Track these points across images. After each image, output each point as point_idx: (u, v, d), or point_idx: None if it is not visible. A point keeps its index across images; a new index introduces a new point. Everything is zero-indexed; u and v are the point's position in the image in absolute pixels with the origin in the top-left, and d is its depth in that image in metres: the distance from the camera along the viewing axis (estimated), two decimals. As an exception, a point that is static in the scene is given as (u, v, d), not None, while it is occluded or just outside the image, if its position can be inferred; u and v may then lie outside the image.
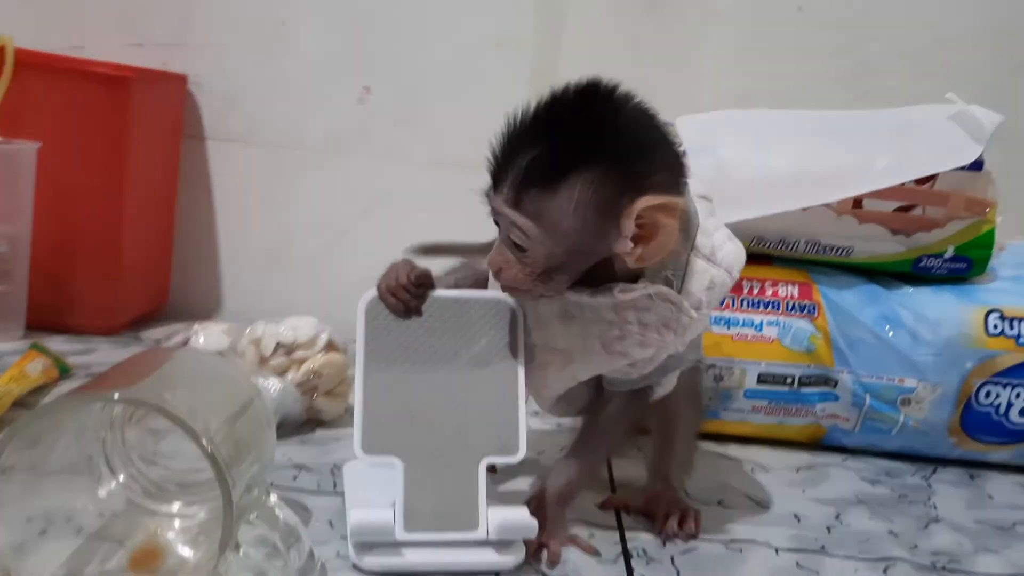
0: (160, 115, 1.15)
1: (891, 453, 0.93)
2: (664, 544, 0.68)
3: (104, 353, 1.00)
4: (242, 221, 1.26)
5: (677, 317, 0.59)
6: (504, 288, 0.60)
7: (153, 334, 0.90)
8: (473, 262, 0.68)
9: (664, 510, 0.70)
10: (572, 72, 0.89)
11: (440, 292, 0.63)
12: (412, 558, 0.59)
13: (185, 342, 0.84)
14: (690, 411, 0.74)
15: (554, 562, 0.62)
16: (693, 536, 0.69)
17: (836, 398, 0.90)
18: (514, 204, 0.55)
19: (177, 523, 0.60)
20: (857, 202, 0.90)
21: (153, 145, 1.13)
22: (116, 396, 0.50)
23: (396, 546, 0.59)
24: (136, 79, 1.05)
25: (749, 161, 0.88)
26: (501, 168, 0.56)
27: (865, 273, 0.94)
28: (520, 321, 0.63)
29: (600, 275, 0.58)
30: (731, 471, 0.86)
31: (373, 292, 0.63)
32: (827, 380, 0.90)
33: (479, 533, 0.60)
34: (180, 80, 1.18)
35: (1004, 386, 0.89)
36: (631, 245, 0.55)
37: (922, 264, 0.92)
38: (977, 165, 0.89)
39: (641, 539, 0.68)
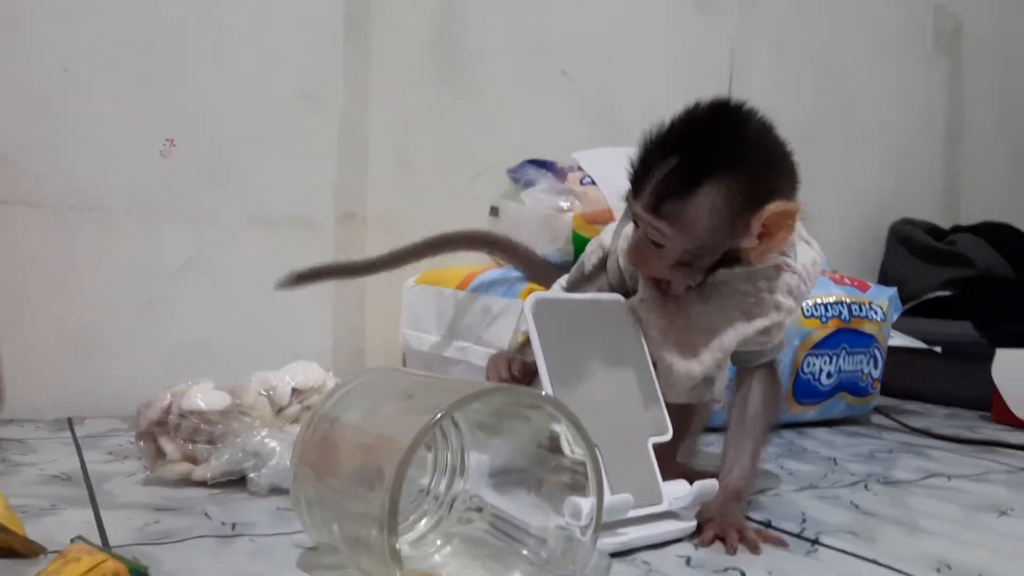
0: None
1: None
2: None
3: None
4: (26, 300, 1.06)
5: (798, 284, 0.70)
6: (647, 279, 0.68)
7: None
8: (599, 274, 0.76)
9: None
10: (380, 134, 0.98)
11: (587, 296, 0.71)
12: (633, 535, 0.62)
13: (167, 408, 0.72)
14: (769, 412, 0.73)
15: (754, 548, 0.62)
16: None
17: (713, 384, 1.07)
18: (653, 210, 0.64)
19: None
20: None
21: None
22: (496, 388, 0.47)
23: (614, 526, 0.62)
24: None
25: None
26: (641, 177, 0.65)
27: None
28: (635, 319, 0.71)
29: (729, 262, 0.67)
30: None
31: (537, 294, 0.66)
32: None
33: (663, 505, 0.65)
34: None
35: (818, 356, 1.14)
36: (756, 242, 0.65)
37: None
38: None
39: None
